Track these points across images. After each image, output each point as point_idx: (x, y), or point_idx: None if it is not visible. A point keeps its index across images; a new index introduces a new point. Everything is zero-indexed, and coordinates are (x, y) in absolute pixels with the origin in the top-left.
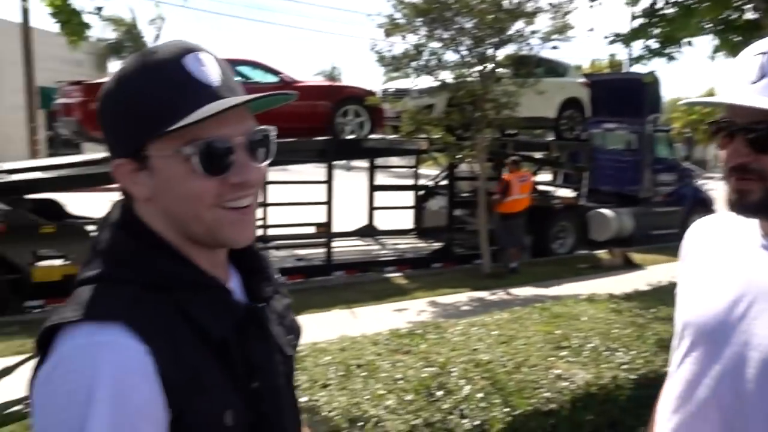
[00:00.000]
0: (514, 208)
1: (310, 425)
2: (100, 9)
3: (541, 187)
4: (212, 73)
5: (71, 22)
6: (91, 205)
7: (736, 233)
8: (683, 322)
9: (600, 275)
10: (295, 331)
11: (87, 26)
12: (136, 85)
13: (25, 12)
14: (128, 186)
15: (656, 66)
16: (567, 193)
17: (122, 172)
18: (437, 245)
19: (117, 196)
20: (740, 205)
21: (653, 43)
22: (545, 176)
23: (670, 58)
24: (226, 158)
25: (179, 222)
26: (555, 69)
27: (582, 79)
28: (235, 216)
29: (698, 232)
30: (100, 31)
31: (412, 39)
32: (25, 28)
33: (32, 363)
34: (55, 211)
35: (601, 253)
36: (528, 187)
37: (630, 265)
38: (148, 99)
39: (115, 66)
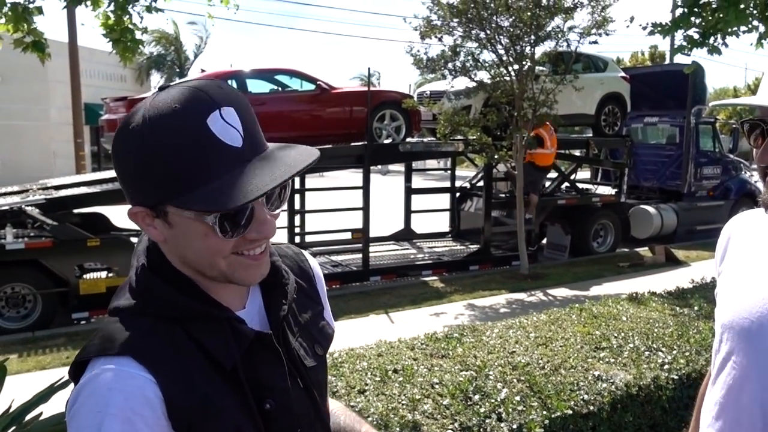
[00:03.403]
0: (544, 161)
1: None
2: (145, 29)
3: (580, 185)
4: (236, 133)
5: (124, 40)
6: None
7: None
8: (722, 324)
9: (642, 273)
10: (324, 336)
11: (140, 43)
12: (160, 145)
13: (73, 31)
14: (144, 228)
15: (700, 56)
16: (606, 190)
17: (139, 217)
18: (474, 247)
19: None
20: None
21: (694, 34)
22: (584, 174)
23: (713, 49)
24: (246, 222)
25: (193, 265)
26: (594, 64)
27: (622, 74)
28: (249, 261)
29: (736, 229)
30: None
31: (448, 40)
32: (72, 47)
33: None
34: (101, 224)
35: (643, 251)
36: (555, 140)
37: (673, 262)
38: (173, 162)
39: (155, 80)
